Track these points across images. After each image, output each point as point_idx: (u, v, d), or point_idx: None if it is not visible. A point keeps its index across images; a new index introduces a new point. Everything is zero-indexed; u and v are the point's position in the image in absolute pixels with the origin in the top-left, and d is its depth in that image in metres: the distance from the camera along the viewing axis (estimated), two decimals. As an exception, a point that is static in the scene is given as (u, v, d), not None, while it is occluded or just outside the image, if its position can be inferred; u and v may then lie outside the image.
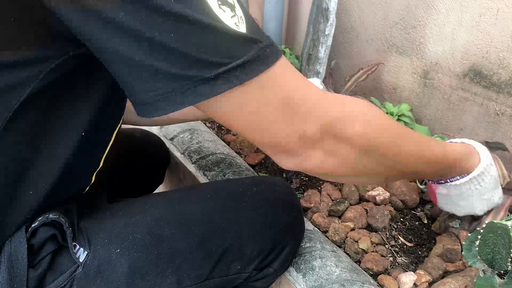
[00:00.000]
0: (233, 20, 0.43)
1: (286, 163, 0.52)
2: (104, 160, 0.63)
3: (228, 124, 0.49)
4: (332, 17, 1.14)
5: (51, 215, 0.55)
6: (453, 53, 1.05)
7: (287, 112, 0.47)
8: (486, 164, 0.70)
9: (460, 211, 0.77)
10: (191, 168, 1.04)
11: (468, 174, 0.70)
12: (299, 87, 0.49)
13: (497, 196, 0.75)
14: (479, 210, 0.75)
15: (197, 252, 0.63)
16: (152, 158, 1.05)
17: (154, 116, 0.45)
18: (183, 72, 0.42)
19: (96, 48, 0.43)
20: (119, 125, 0.62)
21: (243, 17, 0.45)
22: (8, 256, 0.53)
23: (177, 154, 1.10)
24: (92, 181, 0.63)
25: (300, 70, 1.24)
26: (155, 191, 1.10)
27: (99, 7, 0.39)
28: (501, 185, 0.82)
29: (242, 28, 0.44)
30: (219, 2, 0.43)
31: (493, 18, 0.95)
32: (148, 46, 0.41)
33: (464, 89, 0.95)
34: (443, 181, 0.72)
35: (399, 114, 1.07)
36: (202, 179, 0.99)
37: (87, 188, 0.63)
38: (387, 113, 1.07)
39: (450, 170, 0.69)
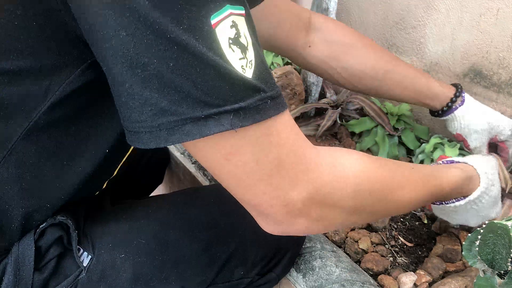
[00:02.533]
0: (241, 63, 0.40)
1: (267, 227, 0.49)
2: (118, 170, 0.62)
3: (211, 172, 0.45)
4: (332, 17, 1.14)
5: (59, 217, 0.55)
6: (453, 53, 1.05)
7: (275, 175, 0.44)
8: (485, 188, 0.69)
9: (454, 222, 0.76)
10: (191, 168, 1.04)
11: (465, 198, 0.69)
12: (294, 149, 0.45)
13: (494, 212, 0.74)
14: (473, 224, 0.74)
15: (202, 258, 0.62)
16: (152, 158, 1.05)
17: (138, 146, 0.42)
18: (173, 107, 0.39)
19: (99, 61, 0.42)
20: None
21: (253, 61, 0.42)
22: (15, 259, 0.53)
23: (177, 154, 1.10)
24: (103, 187, 0.63)
25: (299, 71, 1.24)
26: (154, 191, 1.10)
27: (101, 27, 0.38)
28: (505, 189, 0.82)
29: (248, 73, 0.41)
30: (230, 41, 0.40)
31: (493, 18, 0.94)
32: (142, 73, 0.38)
33: (464, 89, 0.95)
34: (437, 203, 0.71)
35: (399, 114, 1.07)
36: (202, 179, 0.99)
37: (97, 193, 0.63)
38: (387, 113, 1.06)
39: (445, 197, 0.68)
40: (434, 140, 0.97)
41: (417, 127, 1.09)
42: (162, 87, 0.39)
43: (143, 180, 1.04)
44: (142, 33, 0.37)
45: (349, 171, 0.49)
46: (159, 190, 1.14)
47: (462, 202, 0.69)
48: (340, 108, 1.13)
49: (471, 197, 0.68)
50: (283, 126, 0.44)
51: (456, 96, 0.88)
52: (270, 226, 0.48)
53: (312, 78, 1.18)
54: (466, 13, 0.99)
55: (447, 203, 0.70)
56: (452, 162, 0.72)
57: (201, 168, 1.01)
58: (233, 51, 0.40)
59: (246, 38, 0.42)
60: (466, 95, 0.90)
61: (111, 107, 0.51)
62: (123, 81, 0.39)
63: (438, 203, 0.71)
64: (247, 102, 0.40)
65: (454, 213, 0.72)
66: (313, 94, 1.21)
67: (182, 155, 1.08)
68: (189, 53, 0.38)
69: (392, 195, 0.54)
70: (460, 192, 0.68)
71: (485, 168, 0.70)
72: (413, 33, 1.13)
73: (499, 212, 0.75)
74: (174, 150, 1.12)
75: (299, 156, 0.45)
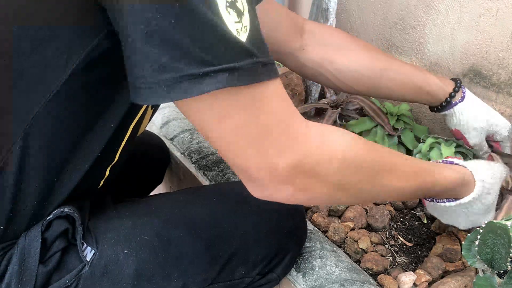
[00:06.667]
0: (236, 26, 0.42)
1: (255, 192, 0.51)
2: (119, 155, 0.63)
3: (205, 135, 0.47)
4: (332, 18, 1.14)
5: (66, 209, 0.55)
6: (453, 53, 1.05)
7: (263, 141, 0.46)
8: (478, 195, 0.68)
9: (443, 221, 0.76)
10: (191, 168, 1.04)
11: (456, 200, 0.69)
12: (283, 118, 0.47)
13: (485, 219, 0.72)
14: (462, 227, 0.75)
15: (204, 257, 0.62)
16: (152, 159, 1.05)
17: (137, 102, 0.44)
18: (173, 63, 0.41)
19: (111, 18, 0.44)
20: (137, 118, 0.62)
21: (248, 27, 0.44)
22: (21, 249, 0.53)
23: (177, 154, 1.10)
24: (106, 175, 0.63)
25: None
26: (153, 191, 1.10)
27: None
28: (509, 188, 0.82)
29: (242, 36, 0.43)
30: (227, 4, 0.42)
31: (492, 18, 0.95)
32: (145, 28, 0.40)
33: (464, 89, 0.96)
34: (429, 199, 0.72)
35: (398, 114, 1.07)
36: (202, 179, 0.99)
37: (101, 183, 0.63)
38: (386, 113, 1.07)
39: (436, 195, 0.68)
40: (430, 140, 0.97)
41: (416, 127, 1.09)
42: (162, 43, 0.40)
43: (143, 180, 1.04)
44: None
45: (337, 146, 0.50)
46: (159, 190, 1.14)
47: (452, 203, 0.69)
48: (340, 108, 1.13)
49: (461, 201, 0.68)
50: (274, 94, 0.46)
51: (455, 91, 0.88)
52: (258, 191, 0.50)
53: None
54: (465, 13, 0.99)
55: (438, 202, 0.70)
56: (451, 163, 0.71)
57: (201, 168, 1.01)
58: (229, 14, 0.42)
59: (243, 4, 0.43)
60: (467, 91, 0.90)
61: (123, 82, 0.52)
62: (128, 35, 0.41)
63: (429, 200, 0.72)
64: (239, 64, 0.42)
65: (445, 212, 0.73)
66: (313, 94, 1.22)
67: (182, 155, 1.08)
68: (189, 10, 0.40)
69: (379, 178, 0.55)
70: (452, 194, 0.68)
71: (484, 175, 0.69)
72: (412, 33, 1.13)
73: (490, 219, 0.74)
74: (174, 150, 1.12)
75: (288, 126, 0.47)
